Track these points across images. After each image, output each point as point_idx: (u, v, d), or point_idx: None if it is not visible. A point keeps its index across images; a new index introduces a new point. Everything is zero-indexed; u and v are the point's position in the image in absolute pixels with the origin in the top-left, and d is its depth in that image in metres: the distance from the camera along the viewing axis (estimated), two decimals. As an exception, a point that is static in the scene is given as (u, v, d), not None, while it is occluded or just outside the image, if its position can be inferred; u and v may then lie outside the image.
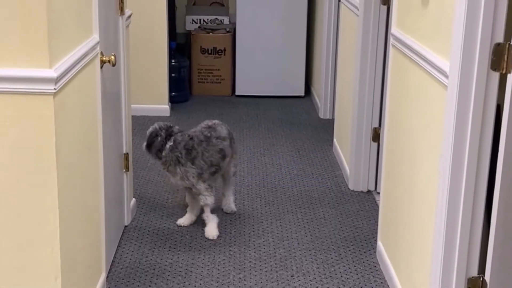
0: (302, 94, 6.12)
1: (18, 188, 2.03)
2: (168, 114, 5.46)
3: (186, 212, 3.53)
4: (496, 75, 2.07)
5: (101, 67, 2.66)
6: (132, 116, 4.22)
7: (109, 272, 2.95)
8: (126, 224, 3.44)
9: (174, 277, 2.94)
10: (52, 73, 1.97)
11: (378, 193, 3.84)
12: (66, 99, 2.14)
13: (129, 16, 3.42)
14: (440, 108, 2.27)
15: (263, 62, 6.02)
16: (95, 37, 2.55)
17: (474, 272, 2.22)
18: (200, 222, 3.51)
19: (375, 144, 3.93)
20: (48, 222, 2.06)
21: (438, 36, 2.35)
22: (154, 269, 3.01)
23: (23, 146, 2.00)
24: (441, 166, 2.21)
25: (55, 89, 1.98)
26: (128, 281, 2.89)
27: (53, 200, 2.04)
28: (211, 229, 3.33)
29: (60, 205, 2.07)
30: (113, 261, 3.06)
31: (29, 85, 1.95)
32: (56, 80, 1.97)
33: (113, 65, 2.73)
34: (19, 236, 2.06)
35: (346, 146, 4.21)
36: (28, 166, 2.02)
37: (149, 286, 2.86)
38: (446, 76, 2.19)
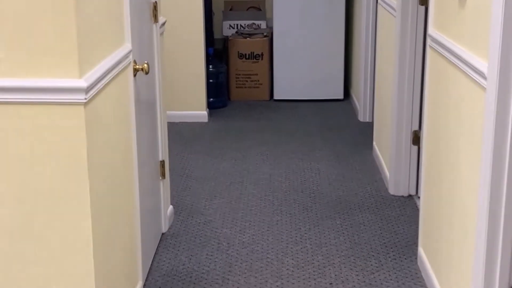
0: (341, 97, 6.05)
1: (50, 198, 2.03)
2: (206, 120, 5.46)
3: (223, 218, 3.50)
4: (537, 75, 1.98)
5: (134, 75, 2.66)
6: (171, 122, 4.23)
7: (146, 281, 2.95)
8: (164, 231, 3.44)
9: (211, 285, 2.92)
10: (82, 82, 1.97)
11: (419, 197, 3.76)
12: (98, 108, 2.14)
13: (163, 24, 3.42)
14: (479, 110, 2.19)
15: (301, 66, 5.97)
16: (127, 46, 2.55)
17: (518, 281, 2.13)
18: (236, 228, 3.48)
19: (415, 147, 3.85)
20: (81, 231, 2.06)
21: (475, 37, 2.27)
22: (191, 277, 3.00)
23: (54, 155, 2.01)
24: (482, 170, 2.13)
25: (85, 98, 1.97)
26: (165, 289, 2.88)
27: (85, 209, 2.04)
28: None
29: (93, 214, 2.06)
30: (150, 269, 3.06)
31: (60, 95, 1.96)
32: (86, 90, 1.97)
33: (146, 73, 2.73)
34: (52, 246, 2.07)
35: (386, 150, 4.13)
36: (60, 176, 2.02)
37: (186, 294, 2.85)
38: (485, 78, 2.11)
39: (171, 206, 3.60)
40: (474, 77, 2.24)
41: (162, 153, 3.35)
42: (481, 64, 2.17)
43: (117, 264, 2.43)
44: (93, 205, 2.07)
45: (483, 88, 2.13)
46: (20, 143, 2.00)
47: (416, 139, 3.82)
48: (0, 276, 2.10)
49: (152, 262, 3.13)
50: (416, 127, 3.82)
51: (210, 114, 5.57)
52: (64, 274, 2.08)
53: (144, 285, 2.90)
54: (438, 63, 2.78)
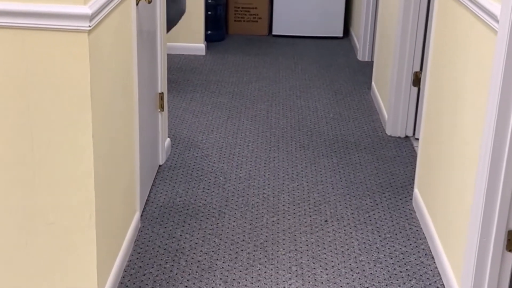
0: (341, 35, 5.97)
1: (52, 126, 2.01)
2: (203, 53, 5.39)
3: (220, 153, 3.51)
4: (551, 20, 1.95)
5: (137, 3, 2.59)
6: (168, 54, 4.17)
7: (143, 211, 2.96)
8: (161, 163, 3.44)
9: (207, 218, 2.94)
10: (87, 9, 1.91)
11: (417, 139, 3.76)
12: (101, 37, 2.09)
13: (166, -49, 3.32)
14: (488, 53, 2.16)
15: (301, 1, 5.86)
16: (130, -27, 2.47)
17: (515, 224, 2.16)
18: (233, 163, 3.49)
19: (415, 88, 3.83)
20: (82, 161, 2.04)
21: (490, -23, 2.22)
22: (187, 209, 3.02)
23: (57, 84, 1.97)
24: (487, 114, 2.12)
25: (89, 26, 1.93)
26: (162, 221, 2.90)
27: (87, 139, 2.02)
28: None
29: (95, 144, 2.05)
30: (147, 200, 3.07)
31: (64, 21, 1.91)
32: (90, 17, 1.92)
33: (149, 2, 2.66)
34: (54, 174, 2.06)
35: (385, 90, 4.11)
36: (62, 105, 1.99)
37: (183, 226, 2.86)
38: (497, 21, 2.07)
39: (168, 139, 3.58)
40: (485, 19, 2.20)
41: (161, 85, 3.32)
42: (494, 6, 2.13)
43: (116, 194, 2.43)
44: (95, 134, 2.05)
45: (494, 31, 2.10)
46: (22, 69, 1.96)
47: (417, 80, 3.80)
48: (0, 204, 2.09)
49: (149, 193, 3.14)
50: (417, 68, 3.79)
51: (207, 47, 5.49)
52: (64, 203, 2.09)
53: (141, 215, 2.92)
54: (446, 3, 2.72)
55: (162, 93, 3.34)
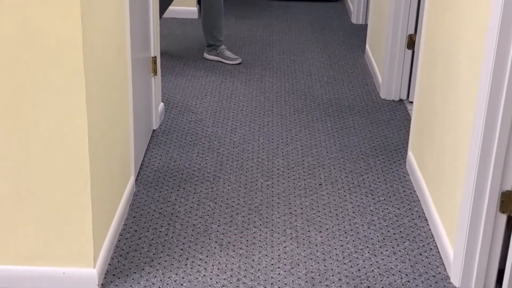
0: (335, -2, 5.92)
1: (46, 89, 1.99)
2: (196, 16, 5.33)
3: (214, 117, 3.50)
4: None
5: (128, -34, 2.55)
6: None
7: (137, 176, 2.96)
8: (154, 128, 3.43)
9: (202, 182, 2.95)
10: (78, -29, 1.88)
11: (411, 102, 3.76)
12: (93, -1, 2.06)
13: None
14: (484, 15, 2.15)
15: (294, -36, 5.79)
16: None
17: (508, 186, 2.17)
18: (227, 128, 3.48)
19: (410, 51, 3.81)
20: (76, 126, 2.03)
21: None
22: (182, 173, 3.02)
23: (49, 46, 1.95)
24: (482, 75, 2.11)
25: (81, -12, 1.89)
26: (157, 185, 2.90)
27: (81, 103, 2.01)
28: None
29: (88, 108, 2.03)
30: (141, 165, 3.07)
31: (54, -17, 1.87)
32: (81, -21, 1.89)
33: (141, -36, 2.62)
34: (47, 140, 2.05)
35: (379, 53, 4.09)
36: (55, 68, 1.97)
37: (177, 190, 2.87)
38: (493, -20, 2.05)
39: (162, 103, 3.57)
40: (481, -20, 2.18)
41: (154, 49, 3.29)
42: (490, -34, 2.10)
43: (111, 158, 2.43)
44: (88, 97, 2.03)
45: (490, -8, 2.08)
46: (14, 30, 1.93)
47: (411, 43, 3.78)
48: (-5, 167, 2.09)
49: (144, 158, 3.14)
50: (412, 31, 3.77)
51: (199, 11, 5.43)
52: (59, 168, 2.08)
53: (136, 180, 2.92)
54: (442, -36, 2.69)
55: (155, 57, 3.31)
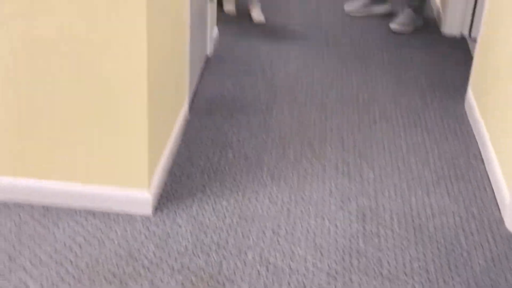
0: None
1: (107, 12, 1.98)
2: None
3: (268, 47, 3.44)
4: None
5: None
6: None
7: (191, 104, 2.96)
8: (209, 54, 3.40)
9: (255, 112, 2.93)
10: None
11: (473, 40, 3.63)
12: None
13: None
14: None
15: None
16: None
17: None
18: (282, 59, 3.43)
19: (475, -15, 3.64)
20: (136, 49, 2.02)
21: None
22: (235, 104, 3.00)
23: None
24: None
25: None
26: (210, 113, 2.90)
27: (141, 27, 1.99)
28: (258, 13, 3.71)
29: (148, 32, 2.01)
30: (195, 92, 3.06)
31: None
32: None
33: None
34: (107, 63, 2.04)
35: (442, -14, 3.93)
36: (115, -9, 1.94)
37: (230, 119, 2.86)
38: None
39: (216, 28, 3.52)
40: None
41: (211, -26, 3.22)
42: None
43: (167, 84, 2.42)
44: (148, 21, 2.01)
45: None
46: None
47: (478, -24, 3.61)
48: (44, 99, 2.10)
49: (198, 85, 3.13)
50: (479, -36, 3.60)
51: None
52: (118, 89, 2.08)
53: (190, 107, 2.92)
54: None
55: (212, -18, 3.24)
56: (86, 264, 2.00)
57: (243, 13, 3.95)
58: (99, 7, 1.97)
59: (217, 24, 3.65)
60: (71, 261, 2.01)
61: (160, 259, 2.04)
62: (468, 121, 2.94)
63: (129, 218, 2.21)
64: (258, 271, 2.01)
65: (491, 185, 2.50)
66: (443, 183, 2.50)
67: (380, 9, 3.98)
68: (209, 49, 3.39)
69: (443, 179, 2.52)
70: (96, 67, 2.05)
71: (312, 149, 2.68)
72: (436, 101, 3.10)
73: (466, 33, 3.77)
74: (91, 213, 2.22)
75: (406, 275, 2.02)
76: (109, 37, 2.01)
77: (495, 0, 2.78)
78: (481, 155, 2.68)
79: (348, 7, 3.99)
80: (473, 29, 3.70)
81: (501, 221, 2.31)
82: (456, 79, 3.30)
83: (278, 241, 2.15)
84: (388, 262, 2.07)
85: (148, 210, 2.24)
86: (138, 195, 2.22)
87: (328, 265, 2.05)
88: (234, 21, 3.84)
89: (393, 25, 3.78)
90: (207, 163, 2.55)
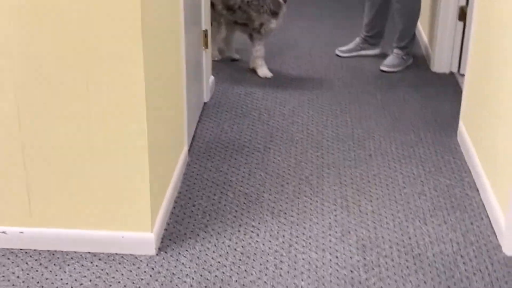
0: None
1: (105, 61, 2.06)
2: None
3: (263, 90, 3.53)
4: None
5: None
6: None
7: (190, 147, 3.03)
8: (205, 101, 3.49)
9: (253, 153, 3.00)
10: None
11: (462, 75, 3.72)
12: (149, -29, 2.11)
13: None
14: (540, -19, 2.12)
15: None
16: None
17: None
18: (277, 101, 3.52)
19: (461, 23, 3.77)
20: (135, 97, 2.09)
21: None
22: (233, 145, 3.07)
23: (109, 18, 2.01)
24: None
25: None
26: (209, 155, 2.97)
27: (138, 72, 2.07)
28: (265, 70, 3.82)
29: (146, 80, 2.10)
30: (194, 136, 3.14)
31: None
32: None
33: None
34: (107, 110, 2.12)
35: (430, 26, 4.05)
36: (114, 39, 2.03)
37: (229, 160, 2.93)
38: None
39: (212, 76, 3.62)
40: None
41: (205, 22, 3.33)
42: None
43: (166, 129, 2.50)
44: (146, 69, 2.09)
45: (547, -43, 2.05)
46: (74, 5, 2.00)
47: (463, 15, 3.73)
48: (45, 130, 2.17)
49: (196, 130, 3.21)
50: (463, 3, 3.72)
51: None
52: (118, 136, 2.15)
53: (189, 150, 2.99)
54: None
55: (206, 30, 3.36)
56: (93, 304, 2.03)
57: (240, 61, 4.06)
58: (98, 60, 2.06)
59: (213, 71, 3.75)
60: (78, 302, 2.04)
61: (166, 296, 2.07)
62: (461, 152, 3.00)
63: (134, 260, 2.25)
64: (262, 304, 2.04)
65: (486, 213, 2.55)
66: (440, 213, 2.55)
67: (371, 52, 4.10)
68: (206, 96, 3.49)
69: (439, 209, 2.58)
70: (97, 113, 2.13)
71: (310, 185, 2.74)
72: (429, 135, 3.17)
73: (455, 70, 3.88)
74: (97, 257, 2.26)
75: (407, 302, 2.05)
76: (107, 83, 2.09)
77: (479, 37, 2.88)
78: (475, 185, 2.74)
79: (339, 53, 4.11)
80: (462, 66, 3.81)
81: (498, 246, 2.35)
82: (448, 113, 3.39)
83: (280, 275, 2.19)
84: (389, 290, 2.11)
85: (152, 250, 2.28)
86: (142, 237, 2.26)
87: (331, 296, 2.08)
88: (231, 68, 3.94)
89: (384, 67, 3.89)
90: (208, 203, 2.61)
